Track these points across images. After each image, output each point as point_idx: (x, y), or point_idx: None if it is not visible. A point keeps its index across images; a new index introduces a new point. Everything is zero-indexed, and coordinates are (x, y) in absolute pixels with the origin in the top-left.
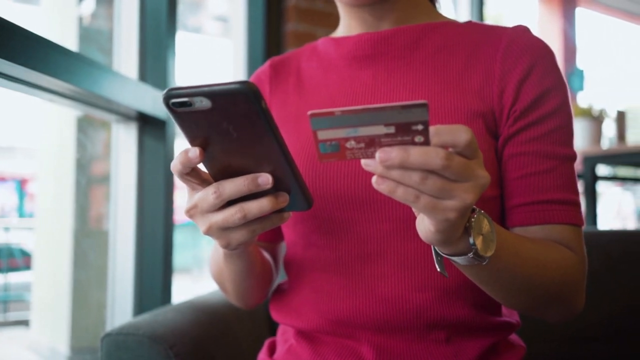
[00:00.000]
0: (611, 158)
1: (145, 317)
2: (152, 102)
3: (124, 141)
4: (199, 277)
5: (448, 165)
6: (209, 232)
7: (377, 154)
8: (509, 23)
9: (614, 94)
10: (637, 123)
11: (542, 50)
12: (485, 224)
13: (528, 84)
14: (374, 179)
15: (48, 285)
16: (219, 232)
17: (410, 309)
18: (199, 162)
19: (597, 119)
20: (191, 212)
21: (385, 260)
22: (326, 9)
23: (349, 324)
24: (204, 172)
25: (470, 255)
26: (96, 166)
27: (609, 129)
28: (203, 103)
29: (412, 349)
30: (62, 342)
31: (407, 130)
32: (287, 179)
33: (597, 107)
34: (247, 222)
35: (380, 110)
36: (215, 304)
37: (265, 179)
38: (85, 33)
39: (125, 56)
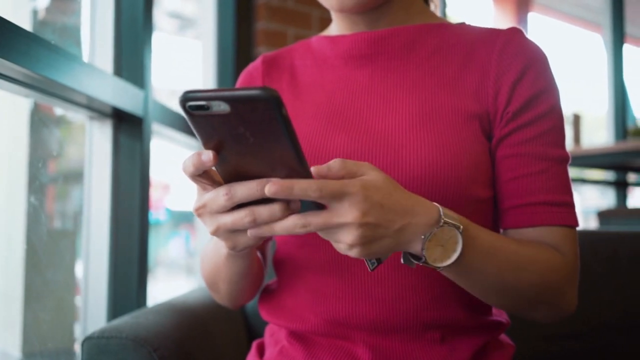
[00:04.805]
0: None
1: (126, 319)
2: (129, 98)
3: (98, 139)
4: (158, 278)
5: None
6: (216, 233)
7: None
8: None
9: (567, 98)
10: (590, 126)
11: (535, 53)
12: (447, 237)
13: (521, 86)
14: None
15: None
16: (226, 234)
17: (406, 310)
18: (212, 166)
19: None
20: (199, 211)
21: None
22: (297, 8)
23: (345, 324)
24: (216, 173)
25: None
26: (52, 164)
27: None
28: (221, 107)
29: (407, 349)
30: (13, 346)
31: None
32: None
33: None
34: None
35: None
36: (193, 305)
37: None
38: (41, 28)
39: (100, 51)
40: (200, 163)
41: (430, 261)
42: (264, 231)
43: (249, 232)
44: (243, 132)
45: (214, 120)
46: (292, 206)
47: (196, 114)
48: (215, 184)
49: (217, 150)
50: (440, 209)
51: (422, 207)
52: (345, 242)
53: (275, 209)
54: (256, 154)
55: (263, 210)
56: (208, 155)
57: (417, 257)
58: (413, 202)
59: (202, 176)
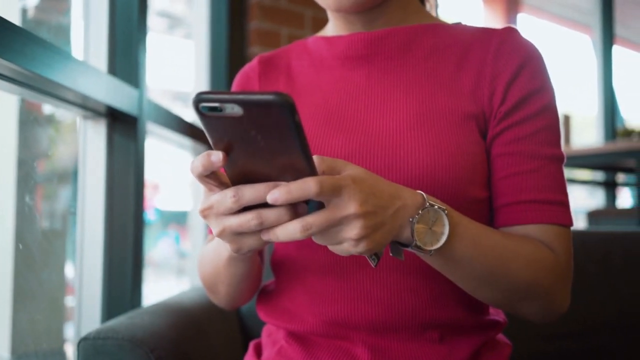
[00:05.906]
0: None
1: (121, 320)
2: (123, 97)
3: (92, 138)
4: (147, 279)
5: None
6: (221, 235)
7: None
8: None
9: (558, 99)
10: (579, 127)
11: (530, 52)
12: (433, 219)
13: (515, 85)
14: None
15: None
16: (231, 236)
17: (405, 310)
18: (221, 167)
19: None
20: (205, 212)
21: (380, 264)
22: (290, 8)
23: (344, 325)
24: (223, 175)
25: (412, 245)
26: (41, 163)
27: None
28: (234, 110)
29: (406, 348)
30: (3, 347)
31: None
32: None
33: None
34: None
35: None
36: (188, 305)
37: None
38: (30, 26)
39: (94, 50)
40: (210, 163)
41: (420, 244)
42: (270, 237)
43: (263, 236)
44: (254, 136)
45: (225, 122)
46: (298, 209)
47: (208, 115)
48: (223, 185)
49: (227, 151)
50: (423, 193)
51: (406, 192)
52: (350, 237)
53: (282, 212)
54: (266, 158)
55: (270, 214)
56: (218, 155)
57: (405, 245)
58: (397, 188)
59: (209, 177)
